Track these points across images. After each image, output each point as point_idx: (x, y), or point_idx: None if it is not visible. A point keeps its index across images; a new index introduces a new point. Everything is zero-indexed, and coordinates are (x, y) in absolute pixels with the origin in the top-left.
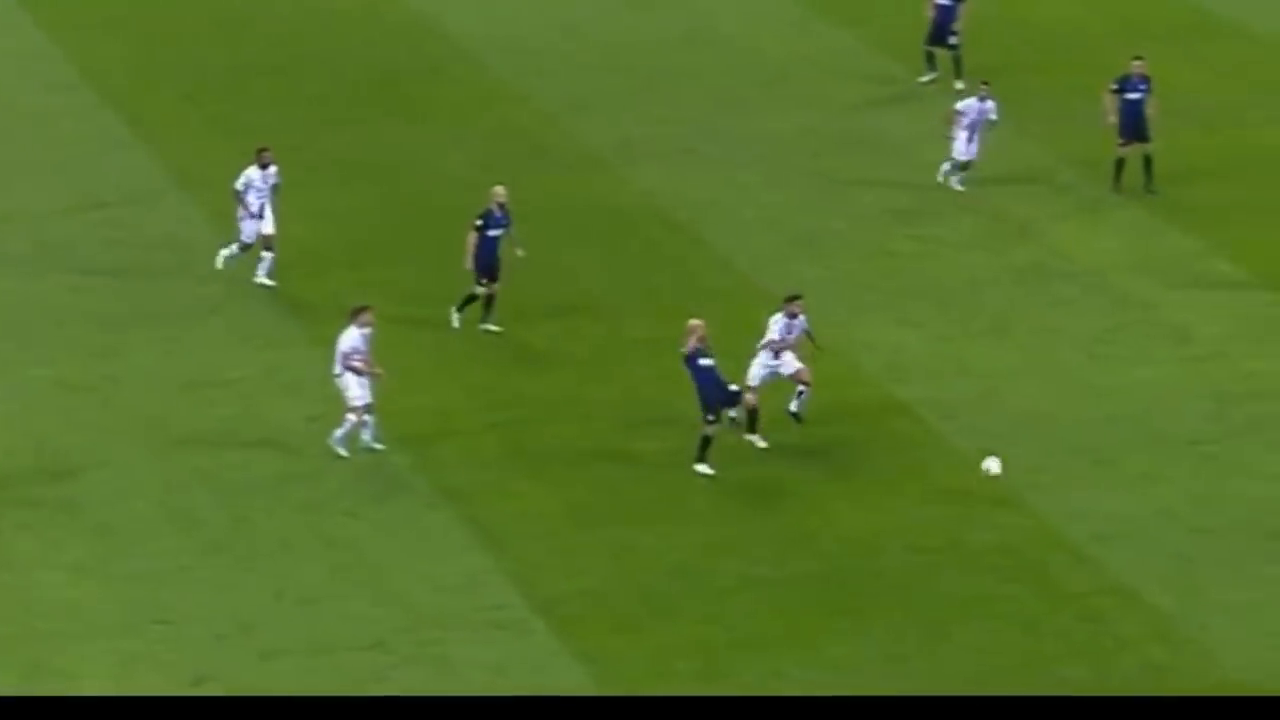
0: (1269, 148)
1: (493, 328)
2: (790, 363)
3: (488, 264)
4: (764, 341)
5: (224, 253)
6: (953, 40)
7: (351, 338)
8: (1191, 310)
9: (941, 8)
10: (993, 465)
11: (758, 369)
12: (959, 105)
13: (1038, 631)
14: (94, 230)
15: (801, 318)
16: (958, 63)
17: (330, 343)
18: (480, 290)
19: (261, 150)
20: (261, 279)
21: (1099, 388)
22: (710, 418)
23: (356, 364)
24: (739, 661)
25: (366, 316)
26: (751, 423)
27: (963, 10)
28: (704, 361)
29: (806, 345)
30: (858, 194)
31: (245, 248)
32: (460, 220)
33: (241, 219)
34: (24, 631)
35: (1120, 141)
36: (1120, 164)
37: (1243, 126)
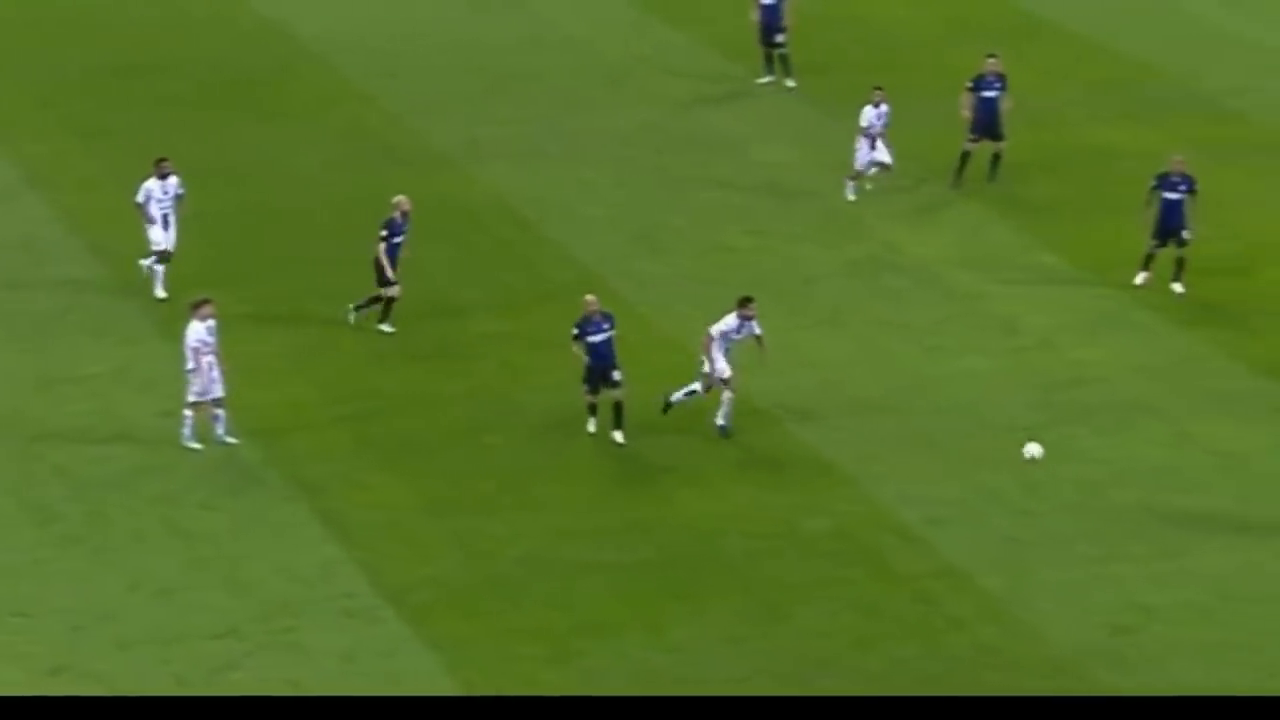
0: (1091, 145)
1: (387, 329)
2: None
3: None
4: (715, 333)
5: (143, 263)
6: (779, 39)
7: (196, 331)
8: (1018, 302)
9: (765, 8)
10: (1034, 450)
11: (721, 360)
12: (862, 121)
13: (872, 613)
14: None
15: (754, 321)
16: (784, 61)
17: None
18: (387, 293)
19: (160, 161)
20: (157, 290)
21: (930, 377)
22: (586, 387)
23: (206, 358)
24: (584, 645)
25: (207, 309)
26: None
27: (787, 8)
28: (591, 338)
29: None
30: (696, 191)
31: (162, 256)
32: (312, 219)
33: (148, 229)
34: None
35: (970, 137)
36: (964, 158)
37: (1065, 124)
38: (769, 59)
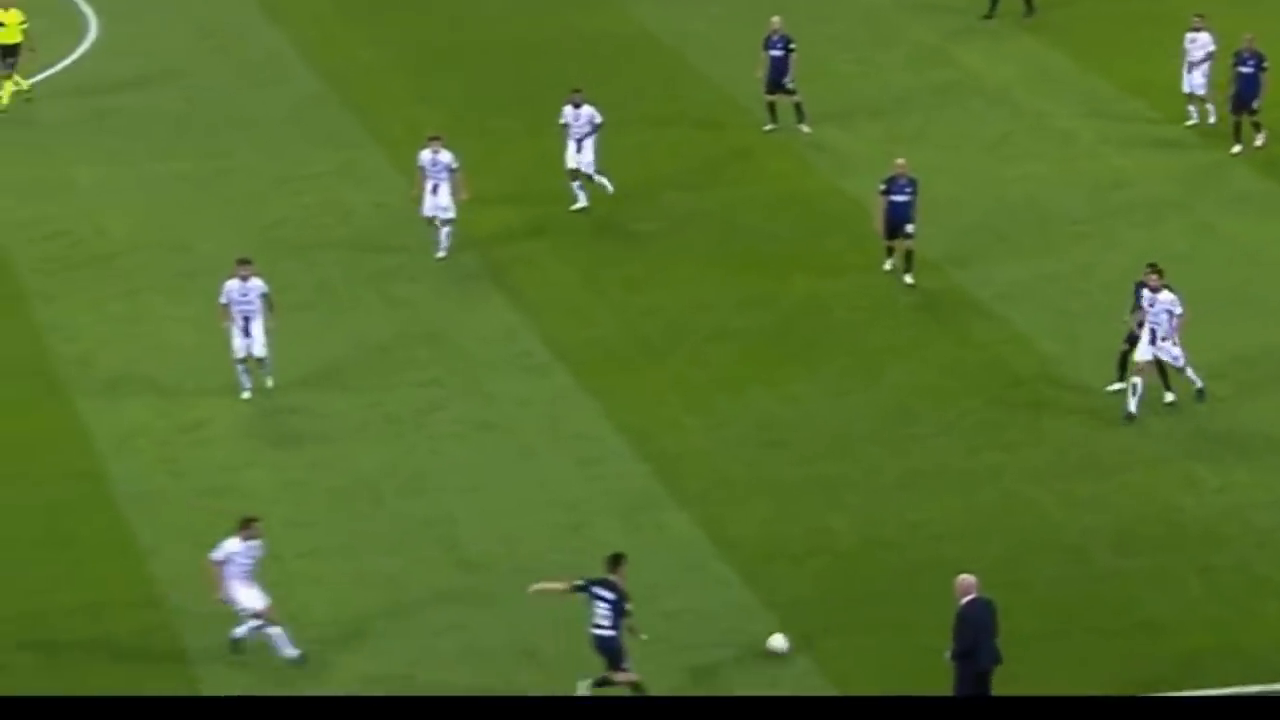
0: None
1: (806, 129)
2: None
3: (776, 80)
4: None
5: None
6: None
7: (423, 158)
8: (1073, 119)
9: None
10: (779, 643)
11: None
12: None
13: (952, 372)
14: None
15: (1159, 294)
16: None
17: None
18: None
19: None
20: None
21: (1000, 179)
22: (885, 234)
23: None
24: (716, 398)
25: (438, 144)
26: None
27: None
28: (894, 197)
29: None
30: (807, 26)
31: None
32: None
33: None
34: None
35: None
36: None
37: None
38: None
